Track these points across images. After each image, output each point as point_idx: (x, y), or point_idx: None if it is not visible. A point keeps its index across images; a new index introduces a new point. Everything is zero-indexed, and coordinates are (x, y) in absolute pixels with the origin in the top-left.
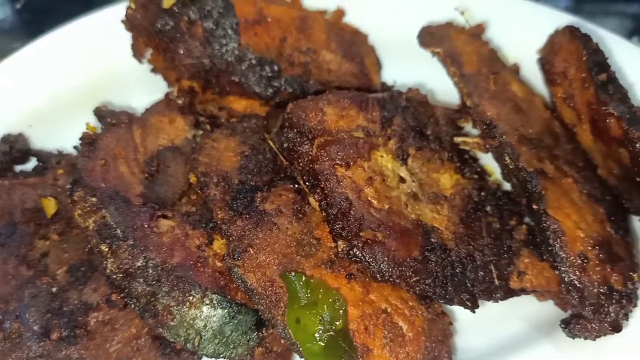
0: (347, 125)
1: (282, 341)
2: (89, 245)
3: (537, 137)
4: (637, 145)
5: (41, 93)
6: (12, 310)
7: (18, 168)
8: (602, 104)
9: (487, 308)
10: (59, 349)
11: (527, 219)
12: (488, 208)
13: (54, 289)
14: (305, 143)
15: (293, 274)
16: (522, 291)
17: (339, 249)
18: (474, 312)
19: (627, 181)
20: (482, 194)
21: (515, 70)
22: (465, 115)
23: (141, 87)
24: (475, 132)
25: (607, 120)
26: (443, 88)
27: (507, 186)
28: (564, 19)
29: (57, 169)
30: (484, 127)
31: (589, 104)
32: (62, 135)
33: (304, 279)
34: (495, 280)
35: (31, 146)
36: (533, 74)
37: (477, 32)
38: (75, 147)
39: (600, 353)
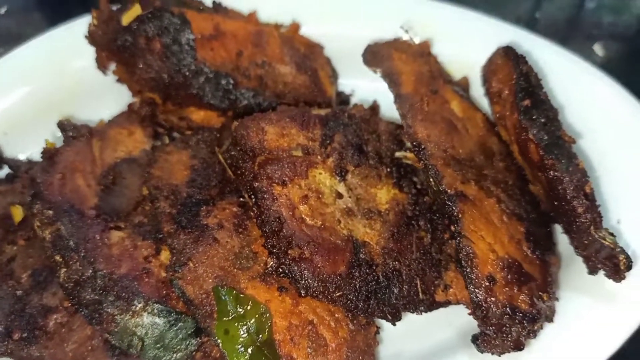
0: (288, 144)
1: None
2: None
3: (467, 157)
4: (550, 172)
5: (16, 101)
6: None
7: None
8: (523, 129)
9: (415, 317)
10: (21, 347)
11: None
12: (421, 222)
13: (18, 292)
14: (248, 161)
15: (224, 288)
16: (448, 303)
17: (269, 265)
18: (394, 324)
19: (549, 202)
20: (417, 208)
21: (464, 84)
22: None
23: (111, 95)
24: None
25: (528, 145)
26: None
27: None
28: (512, 34)
29: (26, 178)
30: (413, 148)
31: (514, 127)
32: (35, 142)
33: (234, 293)
34: (420, 294)
35: (4, 154)
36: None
37: (422, 49)
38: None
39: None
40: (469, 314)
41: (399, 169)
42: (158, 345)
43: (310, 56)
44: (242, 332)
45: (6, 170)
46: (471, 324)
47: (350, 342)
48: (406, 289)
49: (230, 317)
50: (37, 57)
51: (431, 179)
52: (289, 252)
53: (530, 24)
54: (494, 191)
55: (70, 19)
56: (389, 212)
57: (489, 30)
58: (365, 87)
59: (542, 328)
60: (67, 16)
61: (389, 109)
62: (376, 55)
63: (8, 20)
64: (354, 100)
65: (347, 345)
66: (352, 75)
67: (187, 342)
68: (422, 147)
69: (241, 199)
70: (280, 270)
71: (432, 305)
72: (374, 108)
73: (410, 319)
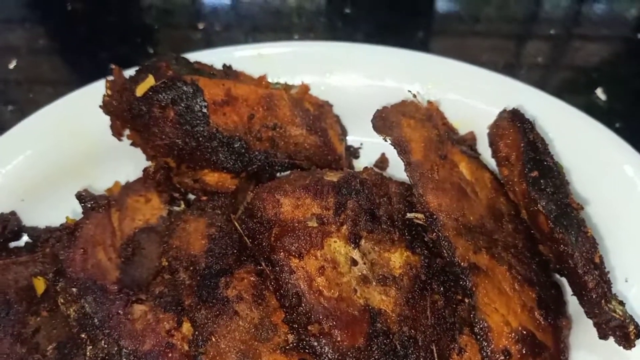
0: (302, 214)
1: None
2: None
3: (477, 223)
4: (560, 246)
5: (32, 167)
6: None
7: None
8: (532, 200)
9: None
10: None
11: None
12: (434, 286)
13: None
14: (264, 232)
15: None
16: None
17: (290, 340)
18: None
19: (560, 265)
20: (430, 272)
21: (470, 139)
22: None
23: (127, 157)
24: None
25: (537, 215)
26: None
27: None
28: (518, 89)
29: (46, 247)
30: (425, 218)
31: (523, 195)
32: (53, 208)
33: None
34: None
35: (23, 223)
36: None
37: (430, 112)
38: (61, 225)
39: None
40: None
41: (410, 230)
42: None
43: (320, 116)
44: None
45: (24, 238)
46: None
47: None
48: (422, 356)
49: None
50: (52, 122)
51: (444, 251)
52: (309, 327)
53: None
54: (504, 257)
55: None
56: (402, 277)
57: (495, 85)
58: (372, 140)
59: None
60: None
61: (397, 162)
62: (385, 122)
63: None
64: (362, 152)
65: None
66: (361, 130)
67: None
68: (435, 217)
69: (258, 267)
70: (301, 345)
71: None
72: (383, 162)
73: None
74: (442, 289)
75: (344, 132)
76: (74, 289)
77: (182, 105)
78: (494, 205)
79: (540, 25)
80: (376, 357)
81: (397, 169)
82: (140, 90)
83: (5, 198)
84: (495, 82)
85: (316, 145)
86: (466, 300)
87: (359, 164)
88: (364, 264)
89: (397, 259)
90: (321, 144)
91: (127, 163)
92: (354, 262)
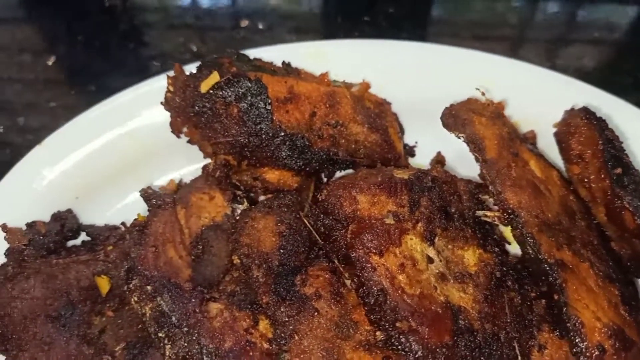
0: (379, 211)
1: None
2: (143, 322)
3: (555, 220)
4: None
5: (86, 164)
6: None
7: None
8: (617, 196)
9: None
10: None
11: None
12: (509, 283)
13: None
14: (340, 229)
15: None
16: None
17: (377, 339)
18: None
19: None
20: (504, 269)
21: (531, 138)
22: (486, 189)
23: (182, 157)
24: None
25: (622, 213)
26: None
27: None
28: (579, 87)
29: (107, 245)
30: (506, 216)
31: (604, 192)
32: (107, 206)
33: None
34: (519, 357)
35: (80, 221)
36: (549, 141)
37: (497, 110)
38: (122, 224)
39: None
40: None
41: (480, 228)
42: None
43: (380, 114)
44: None
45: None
46: None
47: None
48: (506, 353)
49: None
50: (106, 119)
51: (528, 247)
52: (397, 324)
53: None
54: (584, 254)
55: None
56: (478, 275)
57: (553, 84)
58: (427, 139)
59: None
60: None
61: (451, 161)
62: (457, 120)
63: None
64: (417, 150)
65: None
66: (415, 129)
67: None
68: (516, 214)
69: (331, 264)
70: (389, 343)
71: None
72: (439, 160)
73: None
74: (516, 286)
75: (401, 130)
76: (149, 287)
77: (246, 102)
78: (565, 202)
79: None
80: (463, 354)
81: (452, 168)
82: (204, 87)
83: (60, 196)
84: (554, 81)
85: (377, 143)
86: (556, 297)
87: (415, 163)
88: (440, 261)
89: (470, 256)
90: (382, 141)
91: (182, 162)
92: (430, 260)
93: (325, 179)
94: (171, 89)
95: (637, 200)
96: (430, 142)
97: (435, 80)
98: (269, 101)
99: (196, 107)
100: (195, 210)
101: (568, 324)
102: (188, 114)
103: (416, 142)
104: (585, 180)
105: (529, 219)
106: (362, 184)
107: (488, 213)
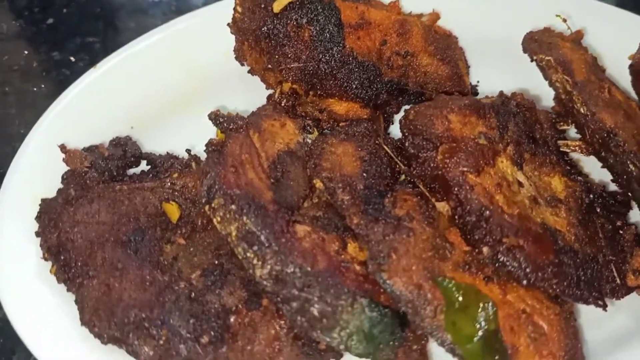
0: (470, 132)
1: (421, 338)
2: (217, 248)
3: None
4: None
5: (139, 94)
6: (156, 317)
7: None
8: None
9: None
10: (207, 352)
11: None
12: (598, 210)
13: (192, 294)
14: (431, 150)
15: (443, 278)
16: (638, 288)
17: (485, 255)
18: (605, 310)
19: None
20: (591, 196)
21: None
22: (565, 119)
23: (236, 89)
24: (573, 135)
25: None
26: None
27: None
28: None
29: (172, 173)
30: (605, 135)
31: None
32: (161, 136)
33: (454, 283)
34: (617, 279)
35: (141, 149)
36: (618, 79)
37: (577, 38)
38: (187, 151)
39: None
40: None
41: (564, 156)
42: (366, 341)
43: (450, 46)
44: (470, 324)
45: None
46: None
47: (565, 330)
48: (606, 275)
49: (456, 308)
50: (161, 49)
51: (630, 165)
52: (504, 240)
53: None
54: None
55: None
56: (568, 200)
57: (625, 23)
58: (490, 79)
59: None
60: None
61: None
62: (541, 44)
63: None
64: (479, 91)
65: (564, 334)
66: (478, 67)
67: (394, 336)
68: (614, 133)
69: (417, 189)
70: (497, 259)
71: (627, 290)
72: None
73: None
74: (605, 212)
75: (468, 66)
76: (233, 206)
77: (318, 25)
78: None
79: None
80: (568, 272)
81: None
82: (277, 7)
83: (115, 123)
84: (626, 19)
85: (447, 75)
86: (632, 226)
87: None
88: (530, 186)
89: (557, 183)
90: (452, 74)
91: (239, 95)
92: (521, 184)
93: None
94: (239, 9)
95: None
96: (492, 83)
97: (502, 17)
98: (342, 26)
99: (265, 29)
100: (268, 135)
101: None
102: (257, 37)
103: (478, 82)
104: None
105: (627, 138)
106: (453, 105)
107: (570, 142)
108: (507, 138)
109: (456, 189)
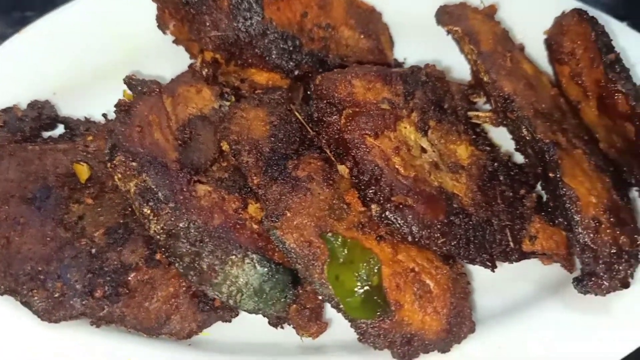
0: (374, 97)
1: (316, 298)
2: (124, 209)
3: (548, 111)
4: None
5: (63, 61)
6: (53, 270)
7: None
8: (611, 82)
9: (496, 272)
10: (102, 306)
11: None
12: (501, 178)
13: (93, 250)
14: (334, 113)
15: (331, 234)
16: (533, 254)
17: (373, 212)
18: (493, 271)
19: (629, 153)
20: (495, 164)
21: (521, 49)
22: (477, 91)
23: (162, 58)
24: (486, 107)
25: (615, 97)
26: (449, 65)
27: (516, 158)
28: (566, 2)
29: (87, 136)
30: (502, 101)
31: (597, 82)
32: (83, 103)
33: (340, 239)
34: (511, 243)
35: (58, 113)
36: (536, 54)
37: (490, 12)
38: (103, 115)
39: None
40: (545, 264)
41: (472, 127)
42: (257, 296)
43: (372, 20)
44: (352, 278)
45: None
46: (548, 277)
47: (452, 289)
48: (498, 238)
49: (340, 263)
50: (86, 16)
51: (524, 130)
52: (393, 198)
53: None
54: (577, 144)
55: None
56: (471, 167)
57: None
58: (416, 57)
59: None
60: None
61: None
62: (452, 15)
63: None
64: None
65: (450, 293)
66: (404, 45)
67: (285, 293)
68: (511, 99)
69: (323, 154)
70: (385, 216)
71: (520, 255)
72: None
73: (482, 276)
74: (508, 181)
75: (392, 41)
76: (134, 163)
77: None
78: (556, 102)
79: None
80: (458, 232)
81: None
82: None
83: (37, 89)
84: None
85: (368, 49)
86: (551, 175)
87: None
88: (433, 152)
89: (462, 151)
90: (373, 48)
91: (165, 65)
92: (424, 150)
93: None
94: None
95: (630, 84)
96: (418, 60)
97: None
98: None
99: None
100: (182, 99)
101: (563, 198)
102: (177, 6)
103: (405, 59)
104: (576, 77)
105: (524, 104)
106: (358, 70)
107: (480, 114)
108: (413, 105)
109: (354, 150)
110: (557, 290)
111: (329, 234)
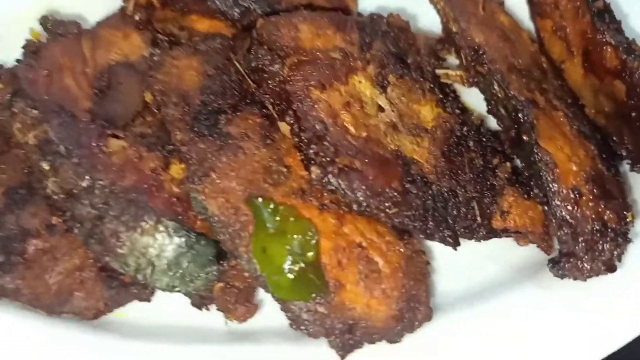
0: (324, 45)
1: (246, 276)
2: (29, 166)
3: (525, 68)
4: (635, 75)
5: None
6: None
7: None
8: (599, 32)
9: (464, 252)
10: None
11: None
12: (471, 144)
13: None
14: (277, 62)
15: (260, 199)
16: (504, 232)
17: (312, 175)
18: (455, 249)
19: (619, 118)
20: (465, 129)
21: (500, 2)
22: (447, 46)
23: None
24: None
25: (603, 50)
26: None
27: (490, 123)
28: None
29: None
30: (472, 53)
31: (583, 34)
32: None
33: (272, 205)
34: (478, 218)
35: None
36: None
37: None
38: (17, 60)
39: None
40: (520, 244)
41: (441, 87)
42: (171, 271)
43: None
44: (283, 251)
45: None
46: (522, 259)
47: (405, 268)
48: (463, 211)
49: (269, 233)
50: None
51: (496, 85)
52: (337, 160)
53: None
54: (558, 106)
55: None
56: (436, 130)
57: None
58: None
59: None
60: None
61: None
62: None
63: None
64: None
65: (402, 272)
66: None
67: (207, 269)
68: (481, 51)
69: (264, 111)
70: (326, 180)
71: (489, 232)
72: None
73: (449, 258)
74: (478, 148)
75: None
76: (35, 111)
77: None
78: (536, 59)
79: None
80: (414, 203)
81: None
82: None
83: None
84: None
85: None
86: (525, 138)
87: None
88: (392, 111)
89: (427, 112)
90: None
91: (97, 6)
92: (381, 109)
93: None
94: None
95: (620, 35)
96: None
97: None
98: None
99: None
100: (104, 44)
101: (539, 164)
102: None
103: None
104: (560, 30)
105: (496, 57)
106: (306, 14)
107: (450, 72)
108: (370, 57)
109: (296, 103)
110: (532, 275)
111: (259, 199)
